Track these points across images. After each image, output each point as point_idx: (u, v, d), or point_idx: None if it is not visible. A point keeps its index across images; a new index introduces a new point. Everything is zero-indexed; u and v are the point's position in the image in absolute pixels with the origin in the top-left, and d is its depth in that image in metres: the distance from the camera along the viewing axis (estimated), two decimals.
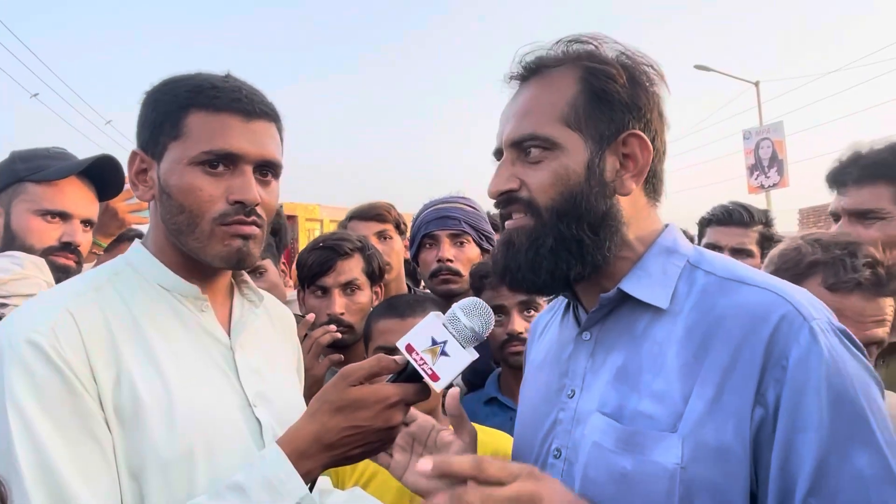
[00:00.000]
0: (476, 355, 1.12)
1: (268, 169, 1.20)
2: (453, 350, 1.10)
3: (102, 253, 2.24)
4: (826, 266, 1.48)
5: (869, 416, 0.90)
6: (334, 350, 2.01)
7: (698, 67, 20.10)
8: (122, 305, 1.14)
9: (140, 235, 2.43)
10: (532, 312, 2.05)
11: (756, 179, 18.35)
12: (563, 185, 1.06)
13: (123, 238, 2.45)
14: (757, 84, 20.83)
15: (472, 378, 2.29)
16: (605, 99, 1.07)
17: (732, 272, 1.05)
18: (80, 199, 1.79)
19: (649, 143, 1.08)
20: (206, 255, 1.16)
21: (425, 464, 0.92)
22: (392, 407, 1.09)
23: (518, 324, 2.03)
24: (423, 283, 2.98)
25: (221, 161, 1.14)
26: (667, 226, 1.15)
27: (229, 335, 1.24)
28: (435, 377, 1.09)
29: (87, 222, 1.82)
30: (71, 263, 1.77)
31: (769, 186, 18.06)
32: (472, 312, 1.13)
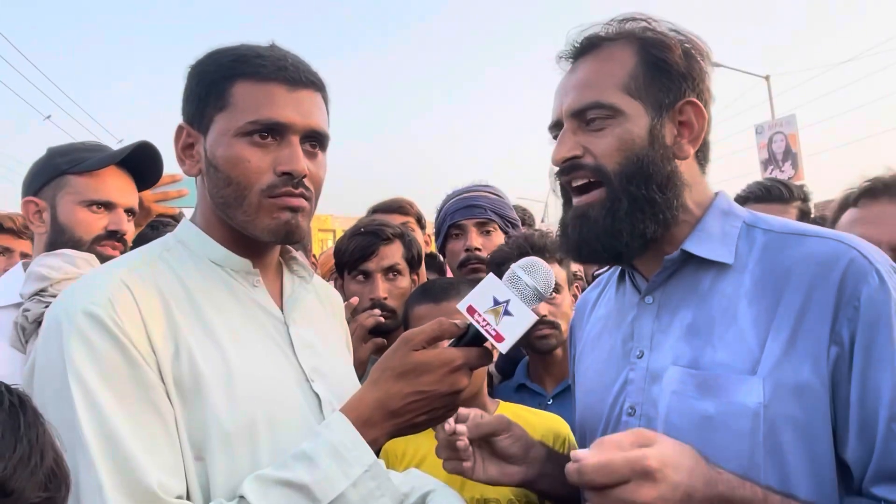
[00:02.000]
0: (536, 317, 1.09)
1: (315, 140, 1.18)
2: (517, 309, 1.07)
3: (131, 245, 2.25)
4: None
5: None
6: (377, 335, 2.02)
7: None
8: (175, 280, 1.13)
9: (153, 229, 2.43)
10: (555, 296, 2.00)
11: (770, 173, 18.18)
12: (628, 150, 1.11)
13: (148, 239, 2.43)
14: (767, 78, 20.67)
15: (505, 366, 2.27)
16: (664, 69, 1.13)
17: (791, 227, 1.11)
18: (121, 187, 1.80)
19: (704, 110, 1.15)
20: (255, 228, 1.14)
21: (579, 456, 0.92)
22: (456, 370, 1.06)
23: (543, 307, 1.97)
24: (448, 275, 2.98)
25: (269, 131, 1.12)
26: (718, 192, 1.21)
27: (282, 310, 1.23)
28: (499, 338, 1.06)
29: (129, 211, 1.83)
30: (117, 253, 1.77)
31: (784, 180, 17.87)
32: (532, 271, 1.11)
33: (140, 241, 2.35)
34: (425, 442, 1.60)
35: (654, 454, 0.90)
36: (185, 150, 1.20)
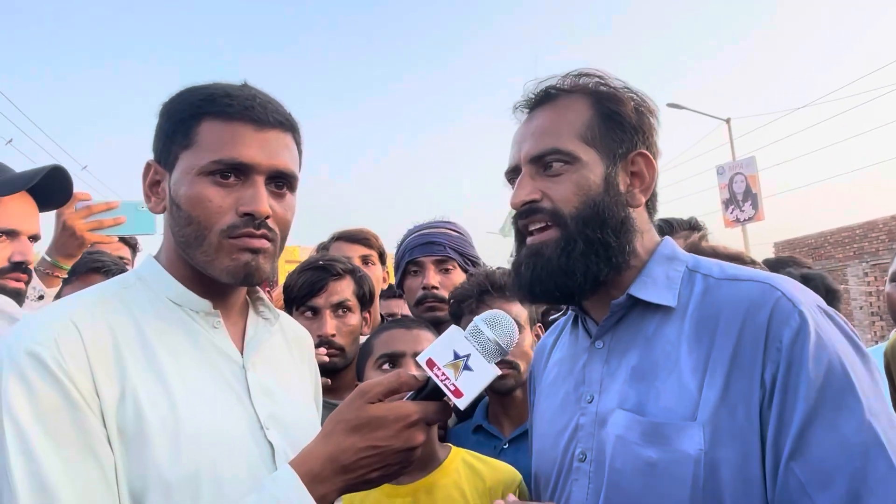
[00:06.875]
0: (499, 371, 1.07)
1: (282, 180, 1.15)
2: (477, 364, 1.04)
3: (66, 276, 2.13)
4: None
5: (856, 387, 0.96)
6: (323, 373, 1.91)
7: (671, 106, 20.53)
8: (129, 319, 1.07)
9: (110, 268, 2.34)
10: None
11: (731, 213, 18.65)
12: (584, 195, 1.15)
13: (95, 270, 2.33)
14: (728, 121, 21.31)
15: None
16: (617, 121, 1.18)
17: (727, 272, 1.15)
18: (25, 214, 1.66)
19: (654, 162, 1.20)
20: (214, 269, 1.10)
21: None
22: (412, 426, 1.02)
23: None
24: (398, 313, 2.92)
25: (232, 171, 1.09)
26: (664, 238, 1.25)
27: (242, 354, 1.18)
28: (458, 393, 1.02)
29: (33, 237, 1.70)
30: (22, 286, 1.65)
31: (745, 220, 18.35)
32: (495, 324, 1.09)
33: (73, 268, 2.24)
34: (370, 495, 1.53)
35: None
36: (152, 187, 1.17)
